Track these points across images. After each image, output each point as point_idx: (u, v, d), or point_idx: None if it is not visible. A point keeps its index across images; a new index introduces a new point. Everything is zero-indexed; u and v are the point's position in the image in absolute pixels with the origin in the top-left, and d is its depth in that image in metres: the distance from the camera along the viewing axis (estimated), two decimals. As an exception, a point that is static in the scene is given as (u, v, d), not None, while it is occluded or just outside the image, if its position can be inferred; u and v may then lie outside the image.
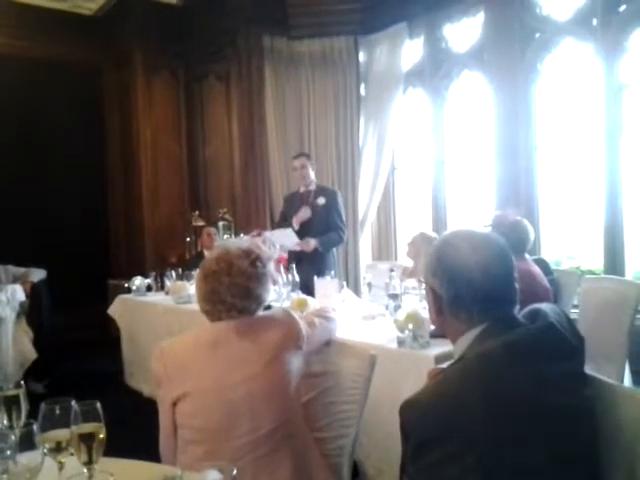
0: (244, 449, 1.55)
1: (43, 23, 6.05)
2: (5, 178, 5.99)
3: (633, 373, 3.05)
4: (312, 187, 4.50)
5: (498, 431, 1.06)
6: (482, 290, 1.22)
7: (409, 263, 4.14)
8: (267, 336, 1.65)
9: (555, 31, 4.47)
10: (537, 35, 4.55)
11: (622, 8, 4.10)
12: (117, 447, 1.36)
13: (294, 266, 3.76)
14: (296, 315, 1.78)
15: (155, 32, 6.32)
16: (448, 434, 1.06)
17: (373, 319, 3.08)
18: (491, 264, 1.23)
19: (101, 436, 1.24)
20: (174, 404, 1.60)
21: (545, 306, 1.28)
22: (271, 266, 1.75)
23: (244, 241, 1.90)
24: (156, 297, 4.49)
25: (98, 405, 1.26)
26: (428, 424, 1.09)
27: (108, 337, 5.36)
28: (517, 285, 1.27)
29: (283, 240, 4.22)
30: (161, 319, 4.13)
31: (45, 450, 1.24)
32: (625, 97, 4.17)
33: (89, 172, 6.68)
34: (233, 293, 1.65)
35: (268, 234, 4.28)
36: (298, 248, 4.25)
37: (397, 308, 2.94)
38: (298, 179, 4.58)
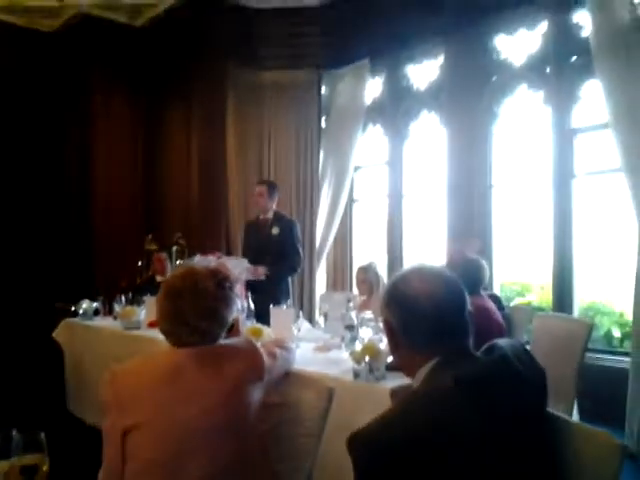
0: None
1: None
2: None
3: (581, 410, 3.10)
4: (269, 215, 4.52)
5: (444, 465, 1.05)
6: (429, 319, 1.23)
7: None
8: (229, 368, 1.58)
9: (511, 76, 4.64)
10: (494, 78, 4.72)
11: (573, 59, 4.29)
12: (58, 479, 1.28)
13: (249, 294, 3.71)
14: (258, 345, 1.73)
15: (116, 52, 6.26)
16: (390, 466, 1.06)
17: (328, 351, 3.05)
18: (438, 294, 1.24)
19: (44, 468, 1.17)
20: (124, 434, 1.50)
21: (502, 341, 1.29)
22: (236, 289, 1.70)
23: (210, 261, 1.86)
24: (104, 322, 4.33)
25: (42, 435, 1.18)
26: (373, 456, 1.08)
27: (52, 362, 5.13)
28: (469, 318, 1.27)
29: (235, 267, 4.23)
30: (108, 345, 3.98)
31: (-18, 483, 1.15)
32: (578, 142, 4.31)
33: (44, 188, 6.50)
34: (197, 314, 1.57)
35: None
36: (251, 277, 4.25)
37: (353, 339, 2.92)
38: (254, 204, 4.67)
